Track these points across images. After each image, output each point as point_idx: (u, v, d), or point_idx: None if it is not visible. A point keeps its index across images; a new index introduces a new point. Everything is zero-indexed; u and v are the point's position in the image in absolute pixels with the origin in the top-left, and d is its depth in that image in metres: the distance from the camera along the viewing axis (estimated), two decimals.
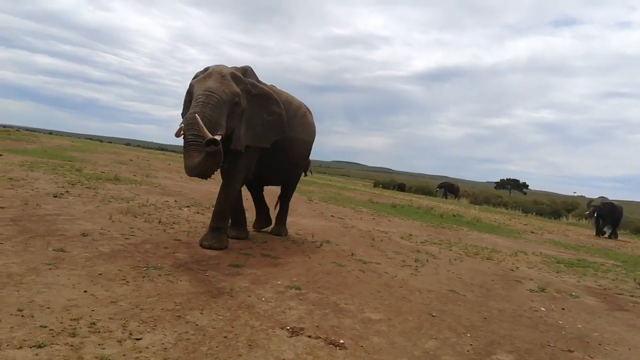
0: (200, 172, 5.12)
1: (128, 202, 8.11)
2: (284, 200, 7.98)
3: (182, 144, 5.28)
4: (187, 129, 5.16)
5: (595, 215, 19.58)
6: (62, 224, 5.75)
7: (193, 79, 5.85)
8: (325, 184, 27.64)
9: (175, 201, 9.28)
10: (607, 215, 19.47)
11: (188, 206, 8.96)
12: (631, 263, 11.40)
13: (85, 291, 3.65)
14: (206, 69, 5.88)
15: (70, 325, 3.00)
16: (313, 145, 8.02)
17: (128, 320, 3.24)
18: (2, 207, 6.12)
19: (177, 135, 5.32)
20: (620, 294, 7.12)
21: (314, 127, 7.83)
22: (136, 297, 3.71)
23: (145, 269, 4.50)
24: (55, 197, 7.47)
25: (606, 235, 19.78)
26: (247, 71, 6.25)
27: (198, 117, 5.02)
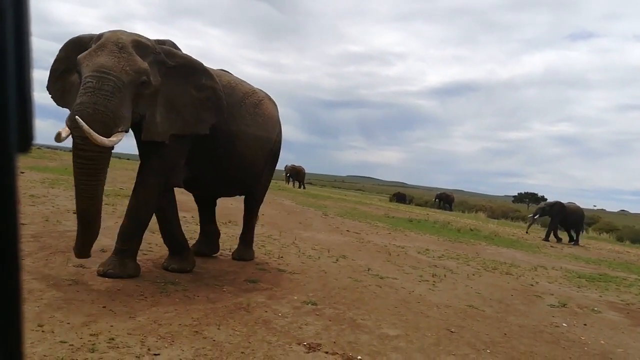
0: None
1: None
2: (246, 216, 6.62)
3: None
4: (72, 129, 3.83)
5: (538, 216, 18.77)
6: None
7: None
8: (340, 198, 27.60)
9: (192, 217, 9.34)
10: (556, 217, 18.11)
11: None
12: None
13: (104, 307, 3.69)
14: (99, 37, 4.26)
15: (90, 341, 3.03)
16: (278, 144, 6.47)
17: (146, 335, 3.26)
18: (23, 224, 6.23)
19: (58, 139, 3.76)
20: None
21: (276, 121, 6.26)
22: (154, 313, 3.74)
23: (162, 284, 4.54)
24: (75, 213, 7.58)
25: (572, 242, 18.31)
26: (165, 43, 4.85)
27: (80, 119, 3.68)
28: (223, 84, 5.22)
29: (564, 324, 5.42)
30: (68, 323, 3.27)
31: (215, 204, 6.54)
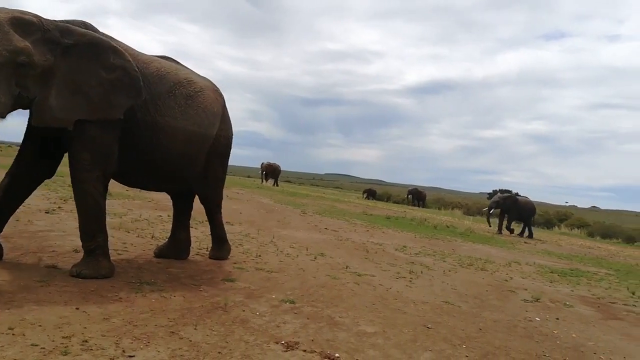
0: None
1: (121, 217, 8.06)
2: (207, 215, 6.22)
3: None
4: None
5: (492, 211, 19.18)
6: (54, 240, 5.70)
7: None
8: (319, 196, 27.63)
9: (168, 216, 9.21)
10: (510, 210, 18.51)
11: None
12: (624, 272, 11.46)
13: (77, 308, 3.61)
14: None
15: (62, 343, 2.96)
16: (223, 139, 5.89)
17: (121, 337, 3.20)
18: None
19: None
20: (613, 303, 7.15)
21: (215, 115, 5.64)
22: (129, 314, 3.68)
23: (138, 284, 4.47)
24: (47, 213, 7.42)
25: (524, 234, 18.68)
26: (73, 23, 4.47)
27: None
28: (151, 71, 4.91)
29: (537, 319, 5.53)
30: (40, 325, 3.19)
31: (189, 207, 6.16)
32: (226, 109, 6.02)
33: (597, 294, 7.77)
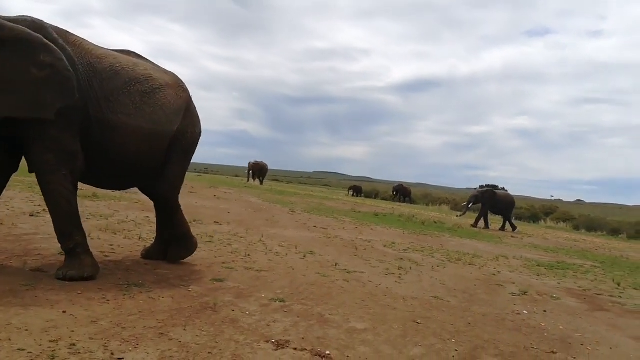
0: None
1: (107, 219, 7.98)
2: (166, 216, 5.75)
3: None
4: None
5: (471, 204, 19.32)
6: (39, 244, 5.63)
7: None
8: (307, 194, 27.62)
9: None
10: (487, 204, 18.69)
11: None
12: (609, 264, 11.64)
13: (64, 311, 3.57)
14: None
15: (50, 347, 2.92)
16: (185, 137, 5.54)
17: (109, 339, 3.17)
18: None
19: None
20: (599, 295, 7.26)
21: (175, 112, 5.34)
22: (117, 316, 3.64)
23: (126, 286, 4.43)
24: (31, 216, 7.32)
25: (505, 228, 18.82)
26: (26, 21, 4.36)
27: None
28: (104, 66, 4.70)
29: (524, 312, 5.60)
30: (26, 330, 3.15)
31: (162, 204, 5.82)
32: (191, 105, 5.73)
33: (583, 286, 7.88)
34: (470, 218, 20.63)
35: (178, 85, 5.51)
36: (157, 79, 5.22)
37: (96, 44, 5.00)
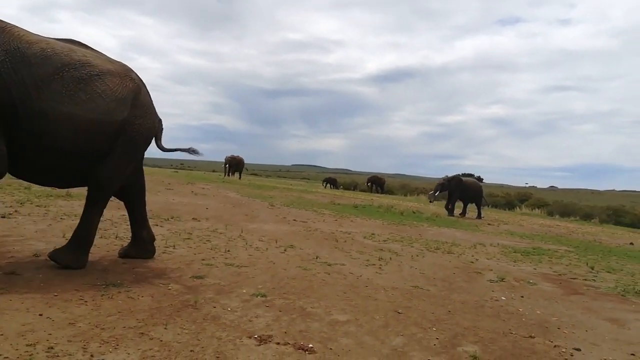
0: None
1: None
2: (85, 210, 5.22)
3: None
4: None
5: (438, 192, 19.30)
6: (12, 246, 5.48)
7: None
8: (286, 188, 27.56)
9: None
10: (455, 192, 18.60)
11: None
12: (582, 248, 11.97)
13: (40, 314, 3.50)
14: None
15: (27, 352, 2.86)
16: (130, 127, 5.11)
17: (88, 341, 3.12)
18: None
19: None
20: (574, 279, 7.45)
21: (118, 100, 4.97)
22: (96, 317, 3.58)
23: (104, 286, 4.35)
24: (3, 217, 7.12)
25: (465, 214, 18.96)
26: None
27: None
28: (34, 51, 4.42)
29: (503, 298, 5.71)
30: (2, 334, 3.07)
31: (141, 202, 5.80)
32: (143, 95, 5.37)
33: (559, 270, 8.07)
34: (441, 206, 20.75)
35: (125, 75, 5.18)
36: (97, 65, 4.89)
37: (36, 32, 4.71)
